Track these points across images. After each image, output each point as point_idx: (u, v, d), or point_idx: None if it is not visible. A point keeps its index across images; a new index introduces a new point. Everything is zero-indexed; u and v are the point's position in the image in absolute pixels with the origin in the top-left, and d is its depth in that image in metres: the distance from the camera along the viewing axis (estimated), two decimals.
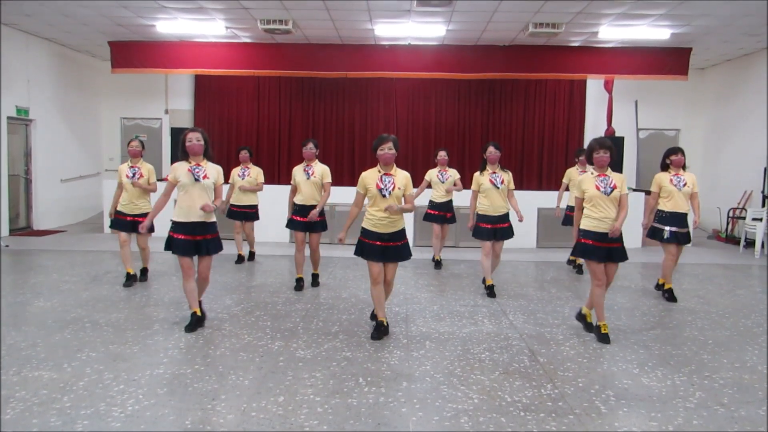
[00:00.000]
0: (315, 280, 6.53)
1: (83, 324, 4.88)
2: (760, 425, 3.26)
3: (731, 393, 3.69)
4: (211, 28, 9.60)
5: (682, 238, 5.94)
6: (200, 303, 5.02)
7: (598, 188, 4.64)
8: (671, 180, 5.88)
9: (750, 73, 10.65)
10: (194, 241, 4.67)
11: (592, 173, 4.78)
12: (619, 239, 4.71)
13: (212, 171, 4.75)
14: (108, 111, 12.66)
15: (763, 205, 9.82)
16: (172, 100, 12.65)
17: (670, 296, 6.04)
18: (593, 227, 4.67)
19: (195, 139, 4.68)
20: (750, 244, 9.67)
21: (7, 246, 8.67)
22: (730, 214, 10.67)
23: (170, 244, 4.71)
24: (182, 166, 4.69)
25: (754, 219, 9.68)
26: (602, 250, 4.65)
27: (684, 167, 5.98)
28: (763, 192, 9.98)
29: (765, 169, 9.92)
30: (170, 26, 9.42)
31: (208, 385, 3.65)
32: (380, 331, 4.65)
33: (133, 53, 10.32)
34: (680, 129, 12.38)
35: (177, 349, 4.33)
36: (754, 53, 10.51)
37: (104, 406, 3.31)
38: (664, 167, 6.00)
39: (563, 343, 4.66)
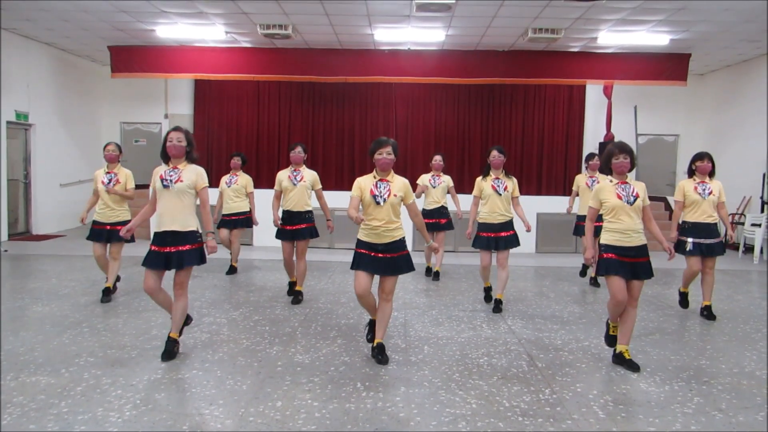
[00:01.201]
0: (292, 290, 6.05)
1: (81, 329, 4.87)
2: (759, 431, 3.25)
3: (729, 398, 3.68)
4: (210, 33, 9.63)
5: (707, 250, 5.46)
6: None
7: (620, 197, 4.16)
8: (695, 188, 5.45)
9: (749, 78, 10.69)
10: (164, 253, 4.13)
11: (611, 180, 4.29)
12: (646, 254, 4.23)
13: (190, 174, 4.20)
14: (108, 115, 12.71)
15: (762, 211, 9.83)
16: (172, 105, 12.69)
17: (682, 300, 5.88)
18: (615, 241, 4.19)
19: (176, 140, 4.18)
20: (749, 249, 9.69)
21: (6, 251, 8.68)
22: (729, 220, 10.67)
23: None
24: (159, 170, 4.25)
25: (752, 224, 9.70)
26: (627, 265, 4.16)
27: (711, 175, 5.50)
28: (762, 197, 9.99)
29: (764, 175, 9.94)
30: (170, 31, 9.46)
31: (205, 390, 3.65)
32: (383, 354, 4.23)
33: (133, 58, 10.36)
34: (679, 134, 12.41)
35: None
36: (753, 59, 10.54)
37: (102, 411, 3.31)
38: (690, 173, 5.57)
39: (562, 348, 4.65)
